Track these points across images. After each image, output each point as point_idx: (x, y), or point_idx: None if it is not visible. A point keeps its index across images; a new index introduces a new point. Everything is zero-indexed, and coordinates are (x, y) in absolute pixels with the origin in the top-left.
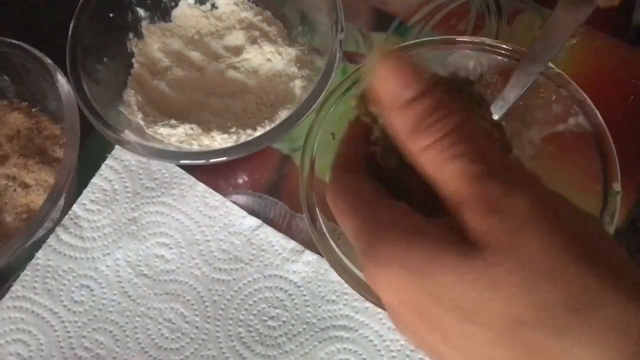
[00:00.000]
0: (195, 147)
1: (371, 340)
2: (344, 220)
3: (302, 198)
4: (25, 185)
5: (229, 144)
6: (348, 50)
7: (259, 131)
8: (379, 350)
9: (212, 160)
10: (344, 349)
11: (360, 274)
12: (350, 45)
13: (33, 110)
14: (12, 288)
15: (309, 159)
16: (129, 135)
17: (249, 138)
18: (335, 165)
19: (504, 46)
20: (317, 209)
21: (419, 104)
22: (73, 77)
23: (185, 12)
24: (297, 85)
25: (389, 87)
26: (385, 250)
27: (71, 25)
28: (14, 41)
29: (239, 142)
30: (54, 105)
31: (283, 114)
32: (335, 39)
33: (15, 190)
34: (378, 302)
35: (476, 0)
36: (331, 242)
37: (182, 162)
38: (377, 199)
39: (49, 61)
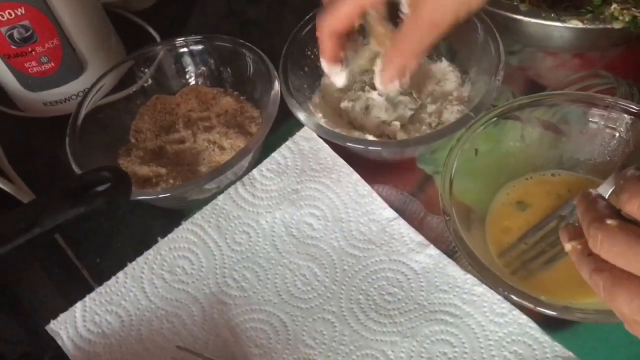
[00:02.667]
0: None
1: (472, 328)
2: None
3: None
4: (222, 148)
5: None
6: (497, 105)
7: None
8: (477, 338)
9: (370, 148)
10: (447, 331)
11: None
12: (501, 101)
13: (241, 97)
14: (195, 216)
15: (449, 175)
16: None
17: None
18: None
19: (633, 106)
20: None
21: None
22: (283, 78)
23: None
24: (453, 115)
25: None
26: None
27: (287, 43)
28: (247, 43)
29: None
30: (258, 95)
31: None
32: (491, 94)
33: (213, 150)
34: (493, 287)
35: (622, 87)
36: (465, 240)
37: (348, 144)
38: None
39: (270, 64)
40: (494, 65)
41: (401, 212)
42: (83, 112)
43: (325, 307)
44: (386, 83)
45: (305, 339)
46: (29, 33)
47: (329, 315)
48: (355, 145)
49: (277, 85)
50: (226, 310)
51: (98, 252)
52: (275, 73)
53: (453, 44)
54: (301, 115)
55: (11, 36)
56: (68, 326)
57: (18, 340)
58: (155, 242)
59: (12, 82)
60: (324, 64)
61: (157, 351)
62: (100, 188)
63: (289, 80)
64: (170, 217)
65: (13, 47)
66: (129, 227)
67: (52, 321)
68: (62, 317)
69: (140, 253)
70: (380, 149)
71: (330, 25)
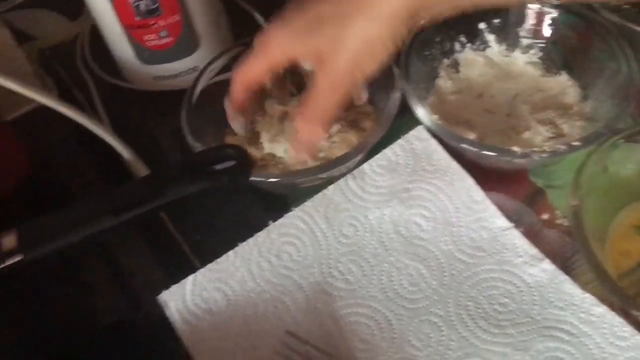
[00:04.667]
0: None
1: (590, 349)
2: None
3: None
4: (332, 141)
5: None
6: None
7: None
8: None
9: (484, 152)
10: (562, 349)
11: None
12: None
13: None
14: (306, 203)
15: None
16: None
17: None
18: None
19: None
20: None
21: None
22: (405, 74)
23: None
24: (575, 130)
25: None
26: None
27: (408, 43)
28: None
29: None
30: (373, 92)
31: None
32: (622, 118)
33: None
34: (623, 305)
35: None
36: (595, 252)
37: (462, 145)
38: None
39: (395, 68)
40: (624, 86)
41: (514, 222)
42: (199, 88)
43: (432, 310)
44: (297, 157)
45: (412, 340)
46: (155, 6)
47: (436, 318)
48: (469, 148)
49: (399, 87)
50: (330, 302)
51: (199, 229)
52: (398, 72)
53: (570, 61)
54: (420, 111)
55: (137, 7)
56: (177, 298)
57: (118, 308)
58: (256, 224)
59: (127, 54)
60: (228, 108)
61: (261, 334)
62: (219, 166)
63: (410, 75)
64: (271, 201)
65: (137, 18)
66: (231, 207)
67: (163, 291)
68: (173, 289)
69: (239, 233)
70: (495, 154)
71: (240, 77)
